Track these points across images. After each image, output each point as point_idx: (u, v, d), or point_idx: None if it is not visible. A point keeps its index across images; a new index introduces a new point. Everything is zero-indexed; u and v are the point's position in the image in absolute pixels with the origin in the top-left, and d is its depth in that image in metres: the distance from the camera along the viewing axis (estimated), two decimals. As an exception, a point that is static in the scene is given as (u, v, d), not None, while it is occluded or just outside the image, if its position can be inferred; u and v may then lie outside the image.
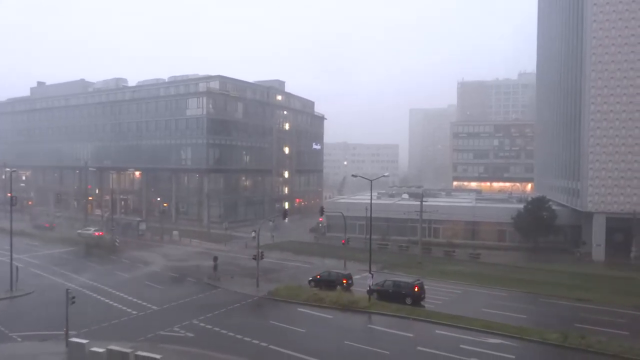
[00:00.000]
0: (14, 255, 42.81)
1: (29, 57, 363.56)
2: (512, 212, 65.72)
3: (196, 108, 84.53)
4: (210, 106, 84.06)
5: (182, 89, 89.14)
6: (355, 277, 46.09)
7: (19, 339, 30.21)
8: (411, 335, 31.00)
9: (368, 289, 38.50)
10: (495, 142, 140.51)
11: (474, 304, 38.65)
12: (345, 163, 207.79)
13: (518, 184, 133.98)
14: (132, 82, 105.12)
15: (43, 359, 26.37)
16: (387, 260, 55.19)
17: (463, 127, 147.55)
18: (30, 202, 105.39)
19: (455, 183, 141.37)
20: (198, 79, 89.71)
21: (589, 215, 59.20)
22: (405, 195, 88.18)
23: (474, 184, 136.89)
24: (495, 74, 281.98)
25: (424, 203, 60.27)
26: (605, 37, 57.44)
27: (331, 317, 35.08)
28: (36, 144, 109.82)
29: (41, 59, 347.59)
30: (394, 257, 58.43)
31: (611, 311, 37.08)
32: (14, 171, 62.21)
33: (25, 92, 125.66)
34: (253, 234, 61.38)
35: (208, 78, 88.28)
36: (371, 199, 44.72)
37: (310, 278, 44.16)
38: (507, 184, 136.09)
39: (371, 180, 45.31)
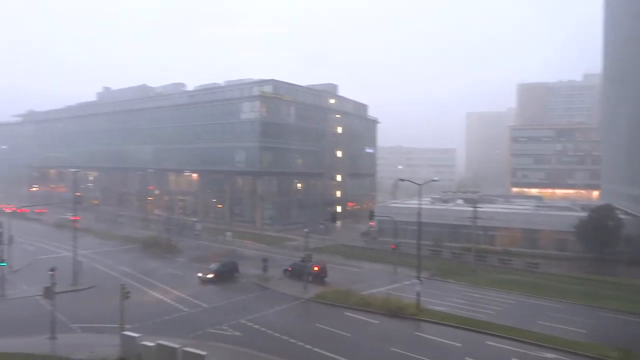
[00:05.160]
0: (79, 251, 45.36)
1: (96, 64, 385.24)
2: (575, 220, 62.31)
3: (250, 112, 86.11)
4: (264, 110, 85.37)
5: (236, 93, 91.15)
6: (405, 282, 45.41)
7: (79, 330, 31.92)
8: (460, 345, 30.03)
9: (284, 269, 48.19)
10: (558, 147, 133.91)
11: (528, 315, 36.97)
12: (400, 167, 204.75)
13: (583, 191, 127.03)
14: (190, 86, 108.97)
15: (98, 350, 27.63)
16: (439, 267, 53.87)
17: (522, 131, 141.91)
18: (95, 202, 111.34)
19: (514, 189, 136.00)
20: (252, 83, 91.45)
21: (660, 225, 55.20)
22: (460, 201, 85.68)
23: (534, 191, 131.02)
24: (557, 77, 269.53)
25: (479, 209, 58.33)
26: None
27: (378, 322, 34.62)
28: (102, 146, 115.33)
29: (107, 65, 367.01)
30: (447, 264, 56.94)
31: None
32: (78, 171, 65.74)
33: (93, 97, 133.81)
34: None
35: (261, 82, 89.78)
36: (420, 204, 43.80)
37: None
38: (571, 191, 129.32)
39: (420, 185, 44.36)
